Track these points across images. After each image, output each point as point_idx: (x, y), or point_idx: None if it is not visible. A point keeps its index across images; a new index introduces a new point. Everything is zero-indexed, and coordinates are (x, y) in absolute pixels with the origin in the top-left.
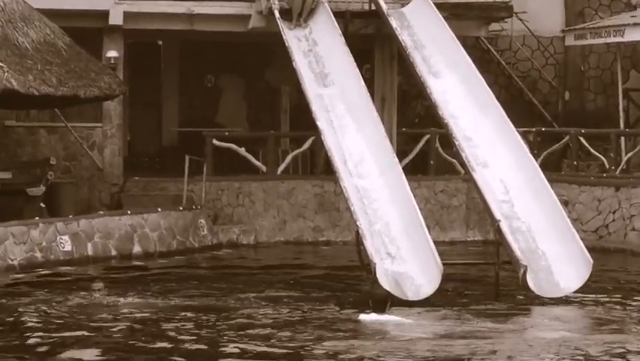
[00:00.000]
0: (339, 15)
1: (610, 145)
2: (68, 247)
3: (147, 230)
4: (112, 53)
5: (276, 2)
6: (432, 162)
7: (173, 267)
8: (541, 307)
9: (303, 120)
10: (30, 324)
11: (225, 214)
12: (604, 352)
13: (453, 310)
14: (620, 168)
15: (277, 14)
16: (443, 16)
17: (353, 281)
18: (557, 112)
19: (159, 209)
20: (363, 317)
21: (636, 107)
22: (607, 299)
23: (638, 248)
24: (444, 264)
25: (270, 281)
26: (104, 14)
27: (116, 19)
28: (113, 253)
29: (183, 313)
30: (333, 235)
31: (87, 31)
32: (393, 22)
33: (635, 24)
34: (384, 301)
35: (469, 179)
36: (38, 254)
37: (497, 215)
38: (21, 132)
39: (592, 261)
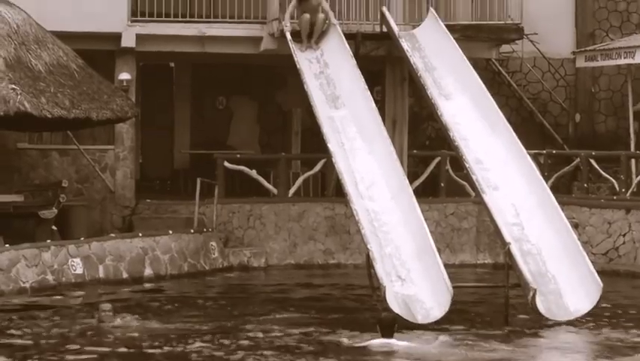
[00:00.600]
0: (350, 37)
1: (620, 167)
2: (80, 270)
3: (158, 253)
4: (124, 76)
5: (288, 24)
6: (442, 185)
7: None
8: (550, 330)
9: (315, 143)
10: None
11: (236, 237)
12: None
13: (461, 334)
14: (630, 190)
15: (289, 36)
16: (454, 38)
17: (357, 305)
18: (568, 134)
19: (170, 232)
20: (371, 341)
21: None
22: (618, 323)
23: None
24: (454, 287)
25: (278, 304)
26: (117, 37)
27: (128, 41)
28: (125, 275)
29: (183, 338)
30: (343, 257)
31: (100, 53)
32: (405, 44)
33: None
34: (392, 326)
35: (480, 201)
36: (50, 277)
37: (507, 238)
38: (33, 155)
39: (602, 284)
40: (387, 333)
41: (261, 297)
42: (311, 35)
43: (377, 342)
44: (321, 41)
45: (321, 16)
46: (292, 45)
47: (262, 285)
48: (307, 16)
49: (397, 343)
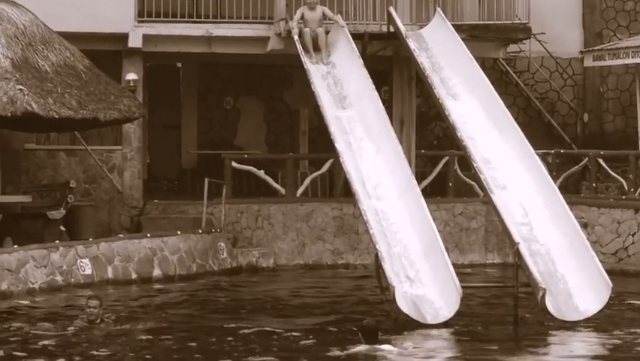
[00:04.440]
0: (357, 37)
1: (629, 167)
2: (89, 271)
3: (167, 253)
4: (131, 76)
5: (295, 25)
6: (451, 185)
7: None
8: (560, 330)
9: (322, 142)
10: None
11: (244, 237)
12: None
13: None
14: (639, 190)
15: (296, 37)
16: (461, 38)
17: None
18: (576, 134)
19: (179, 232)
20: (355, 349)
21: None
22: (628, 323)
23: None
24: (463, 287)
25: (278, 306)
26: (124, 37)
27: (135, 41)
28: (133, 276)
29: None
30: (352, 257)
31: (107, 53)
32: (412, 44)
33: None
34: (375, 332)
35: (488, 201)
36: (59, 277)
37: (516, 238)
38: (41, 155)
39: (611, 284)
40: (370, 340)
41: (263, 299)
42: (317, 48)
43: (361, 349)
44: (331, 55)
45: (320, 30)
46: (299, 45)
47: (267, 285)
48: (307, 30)
49: (383, 349)
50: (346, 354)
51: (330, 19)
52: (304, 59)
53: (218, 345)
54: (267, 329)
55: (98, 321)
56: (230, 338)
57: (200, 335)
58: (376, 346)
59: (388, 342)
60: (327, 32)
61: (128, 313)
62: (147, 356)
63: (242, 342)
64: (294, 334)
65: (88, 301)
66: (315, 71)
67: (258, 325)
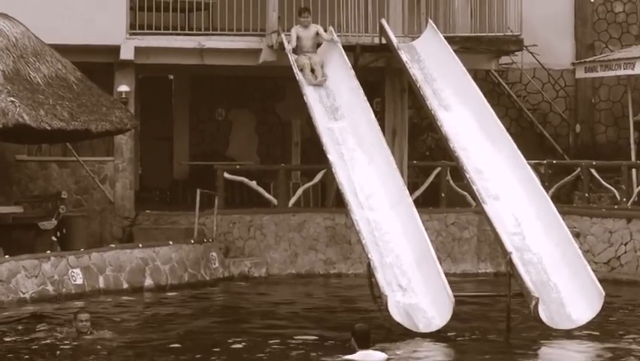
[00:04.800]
0: (349, 49)
1: (621, 177)
2: (80, 281)
3: (159, 263)
4: (123, 88)
5: (290, 49)
6: (443, 195)
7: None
8: (553, 340)
9: (314, 153)
10: None
11: (237, 247)
12: None
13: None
14: (631, 200)
15: (288, 48)
16: (453, 50)
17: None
18: (568, 144)
19: (171, 242)
20: (346, 356)
21: None
22: (622, 333)
23: None
24: (455, 296)
25: (270, 315)
26: (115, 49)
27: (127, 54)
28: (125, 286)
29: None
30: (344, 267)
31: (98, 66)
32: (404, 56)
33: None
34: (367, 336)
35: (481, 211)
36: (50, 288)
37: (509, 247)
38: (33, 167)
39: (604, 293)
40: (363, 344)
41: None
42: (313, 71)
43: (354, 357)
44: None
45: (316, 58)
46: (291, 57)
47: (259, 295)
48: (303, 60)
49: (375, 356)
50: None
51: (321, 37)
52: (294, 64)
53: (204, 356)
54: (257, 339)
55: (88, 334)
56: (216, 349)
57: (188, 346)
58: (369, 352)
59: (380, 349)
60: (322, 64)
61: (116, 324)
62: None
63: (229, 354)
64: (284, 343)
65: (77, 315)
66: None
67: (247, 335)
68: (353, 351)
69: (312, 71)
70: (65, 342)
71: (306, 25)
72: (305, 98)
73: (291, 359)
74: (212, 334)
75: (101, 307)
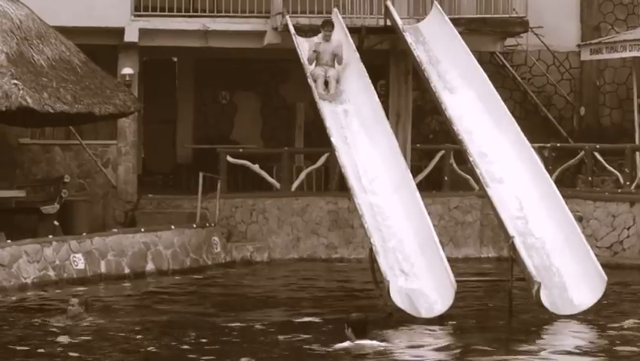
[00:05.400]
0: (354, 31)
1: (625, 160)
2: (82, 265)
3: (161, 248)
4: (127, 70)
5: (309, 59)
6: (446, 178)
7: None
8: (555, 324)
9: (318, 137)
10: None
11: (239, 231)
12: None
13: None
14: (635, 183)
15: (292, 30)
16: (458, 32)
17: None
18: (573, 127)
19: (173, 227)
20: (342, 344)
21: None
22: (624, 318)
23: None
24: (457, 281)
25: (270, 301)
26: (120, 31)
27: (131, 36)
28: (127, 271)
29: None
30: (346, 252)
31: (102, 48)
32: (409, 38)
33: None
34: (364, 325)
35: (484, 195)
36: (51, 273)
37: (511, 231)
38: (36, 150)
39: (606, 278)
40: (360, 333)
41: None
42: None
43: (350, 345)
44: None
45: (332, 72)
46: (296, 39)
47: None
48: (319, 71)
49: (372, 344)
50: (334, 350)
51: (338, 57)
52: (298, 46)
53: (195, 340)
54: (254, 324)
55: (79, 320)
56: (209, 333)
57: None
58: (365, 341)
59: (379, 337)
60: (337, 79)
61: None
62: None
63: (224, 337)
64: (280, 329)
65: (70, 299)
66: (312, 65)
67: (245, 320)
68: (349, 340)
69: (326, 83)
70: (58, 325)
71: (328, 39)
72: (309, 80)
73: (281, 345)
74: (206, 316)
75: (101, 292)
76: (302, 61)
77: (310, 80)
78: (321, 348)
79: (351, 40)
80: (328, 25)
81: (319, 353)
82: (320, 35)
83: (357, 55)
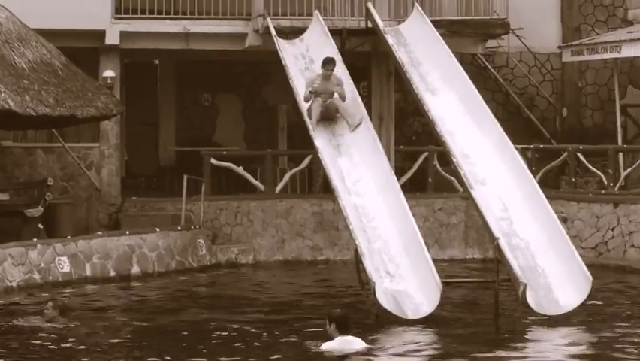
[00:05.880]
0: (335, 32)
1: (608, 161)
2: (67, 268)
3: (146, 250)
4: (109, 73)
5: (307, 94)
6: (430, 180)
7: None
8: (540, 325)
9: (301, 139)
10: None
11: (224, 234)
12: None
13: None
14: (618, 184)
15: (274, 32)
16: (440, 34)
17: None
18: (555, 128)
19: (157, 229)
20: (325, 344)
21: (634, 123)
22: (609, 317)
23: (638, 265)
24: (443, 282)
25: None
26: (101, 34)
27: (112, 38)
28: (112, 273)
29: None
30: (332, 253)
31: (84, 50)
32: (390, 40)
33: (631, 40)
34: (345, 321)
35: (468, 197)
36: (37, 275)
37: (496, 233)
38: (18, 153)
39: (591, 278)
40: (341, 329)
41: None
42: (328, 118)
43: (332, 344)
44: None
45: (335, 100)
46: (277, 41)
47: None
48: (319, 107)
49: (353, 342)
50: (317, 349)
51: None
52: (280, 48)
53: (175, 342)
54: (237, 326)
55: (52, 322)
56: (188, 334)
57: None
58: (349, 336)
59: (361, 336)
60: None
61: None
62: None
63: (206, 339)
64: (264, 330)
65: (47, 303)
66: (294, 67)
67: (228, 322)
68: (331, 337)
69: (327, 119)
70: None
71: (327, 78)
72: (291, 82)
73: (266, 344)
74: (190, 317)
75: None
76: (284, 63)
77: (306, 117)
78: (309, 348)
79: (333, 42)
80: (330, 64)
81: (308, 353)
82: (320, 73)
83: (339, 57)
